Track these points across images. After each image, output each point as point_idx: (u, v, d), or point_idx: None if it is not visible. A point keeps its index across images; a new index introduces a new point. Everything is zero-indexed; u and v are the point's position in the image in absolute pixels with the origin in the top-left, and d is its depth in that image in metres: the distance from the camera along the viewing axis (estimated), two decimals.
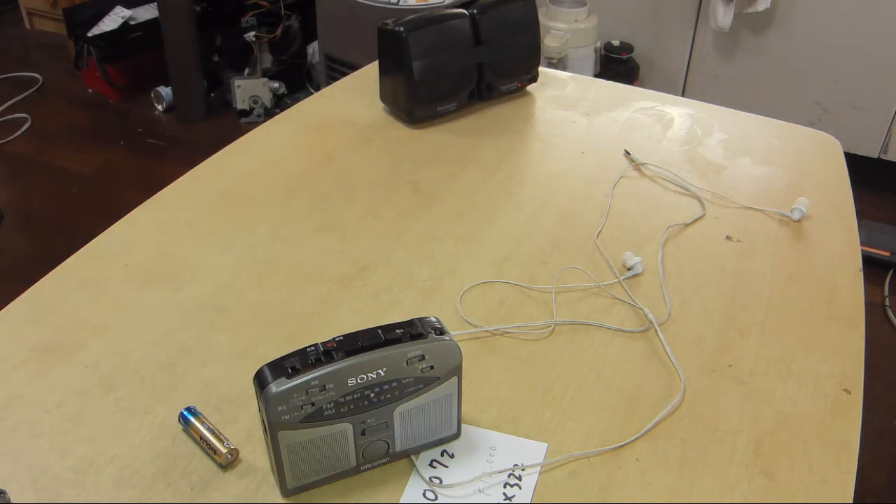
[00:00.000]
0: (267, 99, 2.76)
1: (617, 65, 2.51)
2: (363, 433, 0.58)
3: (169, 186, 0.95)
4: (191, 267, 0.82)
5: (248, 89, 2.74)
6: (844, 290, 0.82)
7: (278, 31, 2.77)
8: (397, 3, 2.21)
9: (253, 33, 2.75)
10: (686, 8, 2.39)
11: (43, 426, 0.64)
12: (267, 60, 2.81)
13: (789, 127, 1.13)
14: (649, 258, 0.86)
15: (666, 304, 0.79)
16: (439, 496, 0.60)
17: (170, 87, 2.81)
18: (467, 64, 1.10)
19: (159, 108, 2.89)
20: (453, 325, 0.76)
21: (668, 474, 0.62)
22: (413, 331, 0.57)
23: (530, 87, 1.21)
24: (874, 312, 1.95)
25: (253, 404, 0.66)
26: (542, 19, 2.35)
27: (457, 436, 0.64)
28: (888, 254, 2.07)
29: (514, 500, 0.59)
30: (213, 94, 2.88)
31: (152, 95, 2.89)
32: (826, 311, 0.79)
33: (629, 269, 0.83)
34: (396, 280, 0.82)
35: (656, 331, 0.76)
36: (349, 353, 0.55)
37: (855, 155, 2.30)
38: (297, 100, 1.31)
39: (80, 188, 2.47)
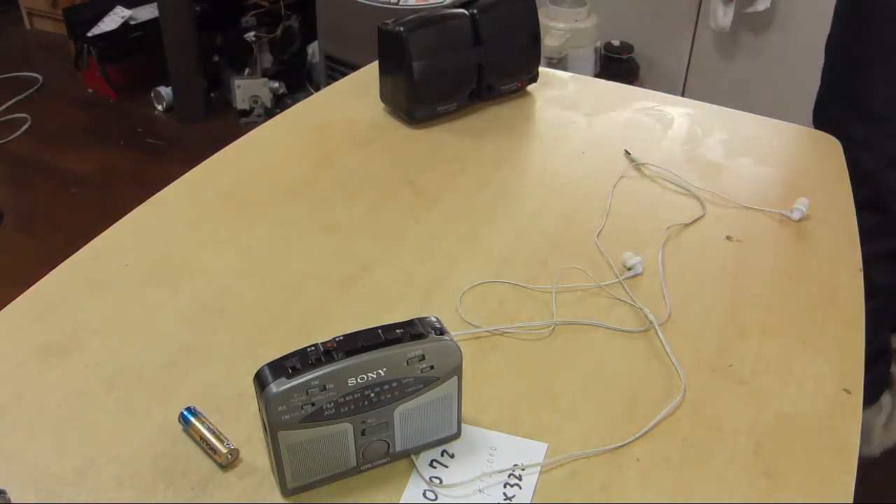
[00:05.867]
0: (267, 99, 2.76)
1: (617, 65, 2.51)
2: (363, 433, 0.58)
3: (169, 186, 0.95)
4: (191, 267, 0.82)
5: (248, 89, 2.74)
6: (844, 290, 0.82)
7: (278, 31, 2.77)
8: (397, 3, 2.21)
9: (253, 33, 2.75)
10: (686, 8, 2.39)
11: (43, 426, 0.64)
12: (267, 60, 2.81)
13: (789, 127, 1.13)
14: (649, 258, 0.86)
15: (666, 304, 0.79)
16: (439, 496, 0.60)
17: (170, 87, 2.81)
18: (467, 64, 1.10)
19: (159, 108, 2.89)
20: (453, 325, 0.76)
21: (668, 474, 0.62)
22: (413, 331, 0.57)
23: (530, 87, 1.21)
24: None
25: (253, 404, 0.66)
26: (542, 19, 2.35)
27: (457, 436, 0.64)
28: None
29: (514, 500, 0.59)
30: (213, 94, 2.88)
31: (152, 95, 2.89)
32: (826, 311, 0.79)
33: (629, 269, 0.83)
34: (396, 280, 0.82)
35: (656, 331, 0.76)
36: (349, 353, 0.55)
37: None
38: (297, 100, 1.32)
39: (80, 188, 2.47)
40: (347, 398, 0.56)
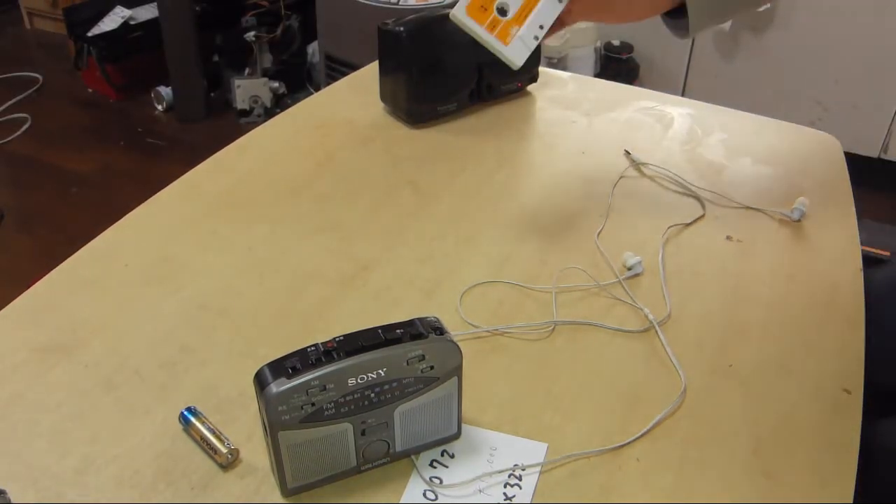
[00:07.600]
0: (267, 99, 2.76)
1: (617, 65, 2.51)
2: (363, 433, 0.58)
3: (169, 186, 0.95)
4: (191, 267, 0.82)
5: (248, 89, 2.74)
6: (844, 290, 0.82)
7: (278, 31, 2.77)
8: (397, 3, 2.21)
9: (253, 33, 2.75)
10: None
11: (43, 426, 0.64)
12: (267, 60, 2.81)
13: (789, 127, 1.13)
14: (649, 258, 0.86)
15: (666, 304, 0.79)
16: (439, 496, 0.60)
17: (170, 87, 2.81)
18: (467, 64, 1.10)
19: (159, 107, 2.89)
20: (453, 325, 0.76)
21: (668, 474, 0.62)
22: (413, 331, 0.57)
23: (530, 87, 1.21)
24: None
25: (253, 404, 0.66)
26: None
27: (457, 436, 0.64)
28: (888, 254, 2.06)
29: (514, 500, 0.59)
30: (213, 94, 2.88)
31: (152, 95, 2.89)
32: (826, 311, 0.79)
33: (629, 269, 0.83)
34: (396, 280, 0.82)
35: (656, 331, 0.76)
36: (349, 353, 0.55)
37: (855, 155, 2.30)
38: (297, 100, 1.32)
39: (80, 188, 2.47)
40: (347, 398, 0.56)
